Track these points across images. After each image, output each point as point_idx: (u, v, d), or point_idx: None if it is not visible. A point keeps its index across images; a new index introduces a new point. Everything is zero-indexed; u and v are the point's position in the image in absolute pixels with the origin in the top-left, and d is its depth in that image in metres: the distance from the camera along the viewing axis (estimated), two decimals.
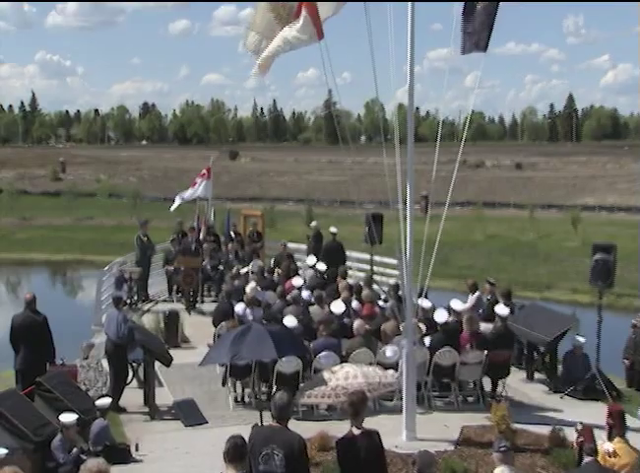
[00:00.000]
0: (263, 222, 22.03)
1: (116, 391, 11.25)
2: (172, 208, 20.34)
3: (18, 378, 11.09)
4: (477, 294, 14.13)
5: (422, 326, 11.74)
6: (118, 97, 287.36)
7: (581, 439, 7.97)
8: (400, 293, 12.76)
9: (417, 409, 10.26)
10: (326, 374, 10.46)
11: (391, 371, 10.71)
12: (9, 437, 8.56)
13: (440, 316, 11.74)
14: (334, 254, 17.90)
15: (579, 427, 8.28)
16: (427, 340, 11.64)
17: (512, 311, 12.86)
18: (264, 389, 11.23)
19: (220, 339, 10.18)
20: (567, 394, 11.92)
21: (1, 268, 31.53)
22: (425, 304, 12.04)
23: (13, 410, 8.79)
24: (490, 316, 12.76)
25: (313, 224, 21.20)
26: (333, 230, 18.90)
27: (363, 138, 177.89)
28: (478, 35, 9.31)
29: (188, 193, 19.95)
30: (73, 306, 24.75)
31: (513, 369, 12.28)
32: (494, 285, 14.42)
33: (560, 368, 12.77)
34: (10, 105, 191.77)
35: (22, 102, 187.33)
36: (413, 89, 9.64)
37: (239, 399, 11.55)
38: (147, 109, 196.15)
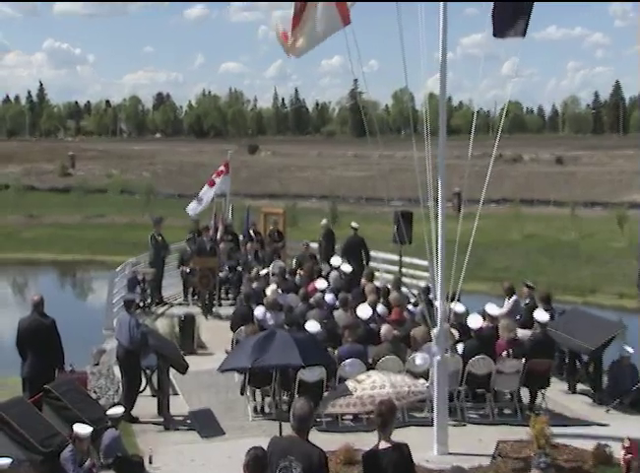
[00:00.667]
0: (284, 220, 22.09)
1: (129, 400, 11.34)
2: (192, 213, 20.21)
3: (25, 386, 11.20)
4: (513, 298, 14.03)
5: (455, 332, 11.70)
6: (130, 87, 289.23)
7: (629, 456, 7.90)
8: (431, 296, 12.71)
9: (450, 421, 10.23)
10: (351, 384, 10.46)
11: (421, 381, 10.69)
12: (15, 447, 8.65)
13: (474, 322, 11.69)
14: (356, 250, 18.00)
15: (626, 443, 8.21)
16: (460, 347, 11.60)
17: (552, 317, 12.77)
18: (285, 398, 11.26)
19: (239, 345, 10.23)
20: (613, 407, 11.80)
21: (7, 269, 31.86)
22: (458, 308, 11.98)
23: (19, 419, 8.88)
24: (528, 322, 12.67)
25: (323, 222, 21.16)
26: (354, 225, 19.04)
27: (392, 130, 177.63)
28: (515, 19, 9.26)
29: (207, 195, 19.92)
30: (83, 310, 24.94)
31: (553, 379, 12.19)
32: (533, 288, 14.33)
33: (605, 379, 12.65)
34: (16, 96, 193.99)
35: (29, 93, 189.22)
36: (445, 77, 9.61)
37: (259, 409, 11.59)
38: (161, 100, 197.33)
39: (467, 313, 12.21)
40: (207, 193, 20.00)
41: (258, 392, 11.62)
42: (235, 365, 9.92)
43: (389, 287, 14.45)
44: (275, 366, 9.66)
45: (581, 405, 12.15)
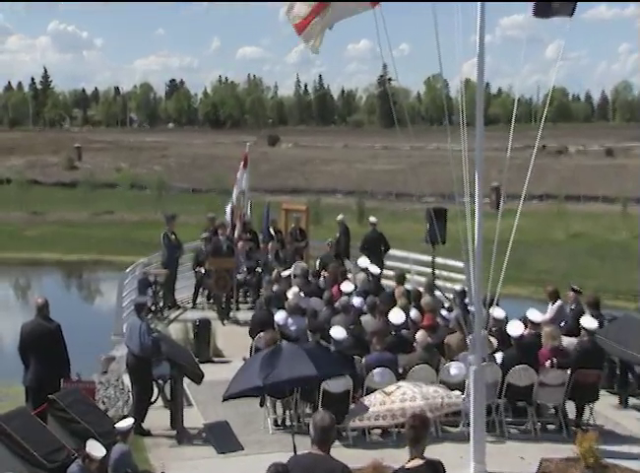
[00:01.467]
0: (307, 217, 22.12)
1: (139, 412, 11.42)
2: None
3: (28, 396, 11.31)
4: (558, 303, 13.96)
5: (493, 340, 11.66)
6: (141, 73, 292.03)
7: None
8: (466, 300, 12.67)
9: (488, 437, 10.19)
10: (379, 396, 10.46)
11: (456, 393, 10.66)
12: (18, 462, 8.73)
13: (515, 329, 11.63)
14: (375, 246, 18.10)
15: None
16: (499, 356, 11.56)
17: (601, 324, 12.68)
18: (308, 411, 11.28)
19: (243, 367, 10.13)
20: None
21: (9, 269, 32.19)
22: (497, 313, 11.93)
23: (22, 431, 8.96)
24: (575, 329, 12.58)
25: (339, 218, 21.17)
26: (372, 219, 19.25)
27: (424, 120, 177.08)
28: None
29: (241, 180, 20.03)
30: (90, 314, 25.17)
31: (603, 392, 12.11)
32: (579, 292, 14.22)
33: None
34: (19, 83, 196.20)
35: (32, 80, 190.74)
36: (482, 62, 9.57)
37: (279, 422, 11.63)
38: (174, 88, 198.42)
39: (506, 319, 12.16)
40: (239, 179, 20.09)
41: (279, 404, 11.65)
42: (243, 387, 9.73)
43: (421, 290, 14.42)
44: (288, 380, 9.59)
45: (633, 421, 12.05)
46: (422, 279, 18.86)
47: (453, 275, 19.48)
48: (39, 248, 34.19)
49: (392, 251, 20.61)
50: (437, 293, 15.44)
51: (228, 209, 19.88)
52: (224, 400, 9.73)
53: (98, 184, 54.73)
